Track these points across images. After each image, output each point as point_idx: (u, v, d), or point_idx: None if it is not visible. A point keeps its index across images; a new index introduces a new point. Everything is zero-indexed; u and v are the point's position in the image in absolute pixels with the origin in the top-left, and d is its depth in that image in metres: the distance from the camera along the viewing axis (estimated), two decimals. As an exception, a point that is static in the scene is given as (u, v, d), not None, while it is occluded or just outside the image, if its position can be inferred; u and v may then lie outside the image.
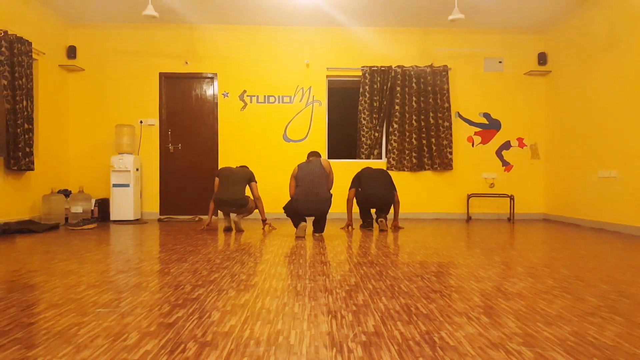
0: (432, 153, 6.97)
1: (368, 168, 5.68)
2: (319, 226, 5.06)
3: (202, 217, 6.91)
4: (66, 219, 6.16)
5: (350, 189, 5.58)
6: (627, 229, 5.27)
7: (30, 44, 5.74)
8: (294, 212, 4.92)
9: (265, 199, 6.66)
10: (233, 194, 5.22)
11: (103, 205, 6.53)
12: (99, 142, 6.91)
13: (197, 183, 7.02)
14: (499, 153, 7.15)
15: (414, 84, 6.95)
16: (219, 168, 6.51)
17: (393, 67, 6.94)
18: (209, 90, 7.04)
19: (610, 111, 5.59)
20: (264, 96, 7.01)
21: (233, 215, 6.20)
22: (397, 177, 6.96)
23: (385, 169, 6.95)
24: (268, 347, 1.67)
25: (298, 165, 5.02)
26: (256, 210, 6.48)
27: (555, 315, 2.07)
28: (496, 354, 1.61)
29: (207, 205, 6.99)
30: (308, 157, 5.32)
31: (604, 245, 4.25)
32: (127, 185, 6.38)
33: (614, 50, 5.52)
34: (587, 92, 6.05)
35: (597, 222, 5.82)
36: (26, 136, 5.64)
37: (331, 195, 4.95)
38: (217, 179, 5.40)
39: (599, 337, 1.80)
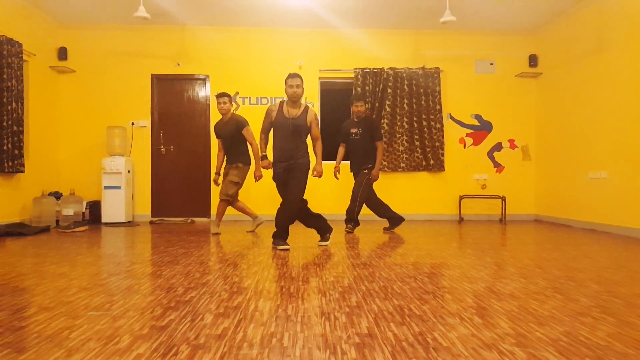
0: (427, 154, 6.98)
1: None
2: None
3: (194, 219, 6.87)
4: (57, 221, 6.10)
5: (381, 140, 5.31)
6: (617, 230, 5.31)
7: (20, 45, 5.69)
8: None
9: (256, 200, 6.62)
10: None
11: (94, 207, 6.47)
12: (90, 144, 6.86)
13: (190, 185, 6.98)
14: (490, 154, 7.19)
15: (405, 86, 6.96)
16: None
17: (385, 69, 6.95)
18: (201, 92, 7.02)
19: (600, 113, 5.64)
20: (257, 98, 7.00)
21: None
22: (389, 178, 6.97)
23: None
24: (261, 350, 1.66)
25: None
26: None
27: (548, 316, 2.08)
28: (489, 355, 1.62)
29: (201, 206, 6.95)
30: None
31: (594, 246, 4.29)
32: (119, 188, 6.33)
33: (603, 52, 5.57)
34: (577, 93, 6.10)
35: (588, 223, 5.87)
36: (15, 138, 5.59)
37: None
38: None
39: (591, 337, 1.81)
